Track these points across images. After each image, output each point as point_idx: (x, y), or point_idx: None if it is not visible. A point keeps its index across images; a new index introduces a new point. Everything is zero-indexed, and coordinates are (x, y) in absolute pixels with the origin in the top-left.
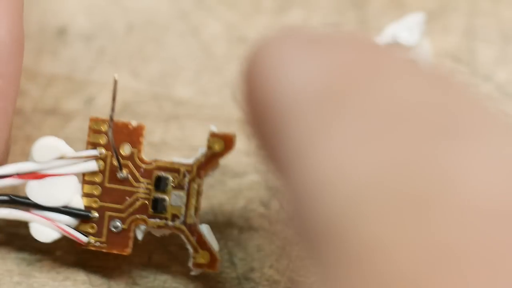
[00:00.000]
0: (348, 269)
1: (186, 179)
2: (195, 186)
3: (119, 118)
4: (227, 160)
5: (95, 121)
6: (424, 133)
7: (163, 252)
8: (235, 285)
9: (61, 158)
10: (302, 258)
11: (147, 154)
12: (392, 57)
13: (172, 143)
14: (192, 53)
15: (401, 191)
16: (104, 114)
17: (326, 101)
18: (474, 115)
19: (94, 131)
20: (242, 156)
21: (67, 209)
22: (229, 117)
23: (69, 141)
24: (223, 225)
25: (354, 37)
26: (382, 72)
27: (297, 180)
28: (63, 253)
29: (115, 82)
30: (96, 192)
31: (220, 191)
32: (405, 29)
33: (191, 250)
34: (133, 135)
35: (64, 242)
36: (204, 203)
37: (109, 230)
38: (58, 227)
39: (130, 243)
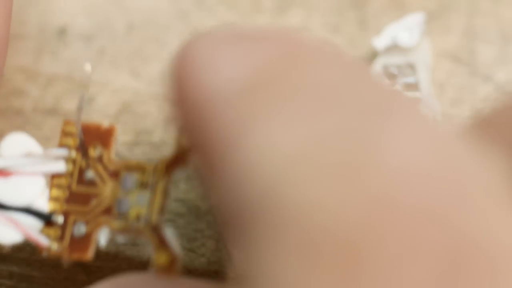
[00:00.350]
0: (287, 234)
1: (153, 178)
2: (161, 185)
3: (119, 118)
4: None
5: (67, 123)
6: (346, 110)
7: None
8: (235, 285)
9: (29, 155)
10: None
11: (147, 154)
12: (311, 48)
13: (172, 143)
14: None
15: (333, 157)
16: (104, 114)
17: (254, 91)
18: (383, 93)
19: (65, 133)
20: None
21: (31, 209)
22: None
23: None
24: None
25: (278, 33)
26: (302, 60)
27: (229, 167)
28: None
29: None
30: (62, 196)
31: None
32: (405, 29)
33: (152, 251)
34: (105, 136)
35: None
36: (204, 203)
37: (72, 235)
38: (21, 229)
39: (91, 247)
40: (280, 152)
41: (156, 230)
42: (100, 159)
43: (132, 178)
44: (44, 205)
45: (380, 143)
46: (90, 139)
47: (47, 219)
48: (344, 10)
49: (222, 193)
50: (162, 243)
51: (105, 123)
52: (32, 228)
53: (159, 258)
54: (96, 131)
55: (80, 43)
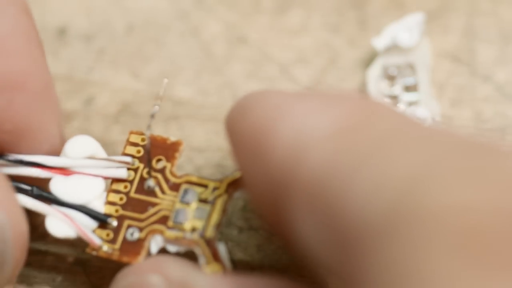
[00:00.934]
0: (439, 233)
1: (214, 195)
2: (221, 202)
3: (119, 118)
4: (227, 161)
5: (133, 134)
6: (439, 141)
7: (163, 252)
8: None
9: (93, 158)
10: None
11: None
12: (376, 102)
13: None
14: (191, 53)
15: (456, 163)
16: (104, 114)
17: (349, 132)
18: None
19: (131, 143)
20: None
21: (87, 210)
22: None
23: None
24: (223, 225)
25: (346, 95)
26: (375, 109)
27: (356, 190)
28: (63, 253)
29: (160, 97)
30: (119, 201)
31: None
32: (405, 30)
33: (203, 261)
34: (169, 150)
35: (64, 242)
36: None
37: (125, 238)
38: (76, 225)
39: (143, 253)
40: (403, 170)
41: (210, 244)
42: (162, 171)
43: (192, 192)
44: (100, 207)
45: (500, 152)
46: (155, 151)
47: (101, 220)
48: (344, 10)
49: (346, 216)
50: (215, 257)
51: (171, 138)
52: (85, 226)
53: (212, 268)
54: (162, 144)
55: (80, 43)
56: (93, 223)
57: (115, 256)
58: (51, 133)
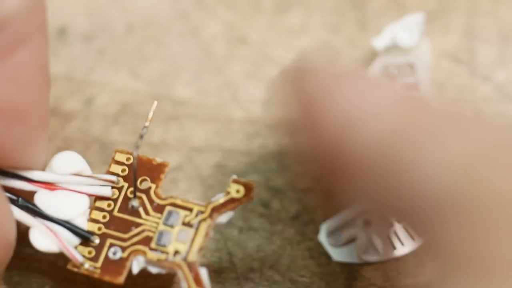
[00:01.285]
0: (497, 215)
1: (197, 219)
2: (204, 226)
3: (119, 118)
4: (227, 161)
5: (119, 152)
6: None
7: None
8: (234, 286)
9: (78, 174)
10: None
11: (147, 154)
12: (419, 96)
13: (172, 143)
14: (191, 53)
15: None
16: (104, 114)
17: (407, 118)
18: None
19: (117, 162)
20: (242, 156)
21: (70, 226)
22: (229, 117)
23: (69, 141)
24: (223, 225)
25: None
26: (423, 103)
27: (419, 172)
28: (63, 253)
29: (153, 108)
30: (102, 219)
31: (220, 191)
32: (405, 30)
33: (185, 285)
34: (155, 171)
35: None
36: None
37: (106, 257)
38: (59, 240)
39: (125, 273)
40: (463, 153)
41: (192, 268)
42: (147, 191)
43: (176, 215)
44: (83, 223)
45: None
46: (140, 171)
47: (84, 237)
48: (344, 10)
49: (409, 196)
50: (197, 281)
51: (157, 159)
52: (68, 242)
53: None
54: (148, 164)
55: (80, 43)
56: (75, 240)
57: (97, 274)
58: (39, 160)
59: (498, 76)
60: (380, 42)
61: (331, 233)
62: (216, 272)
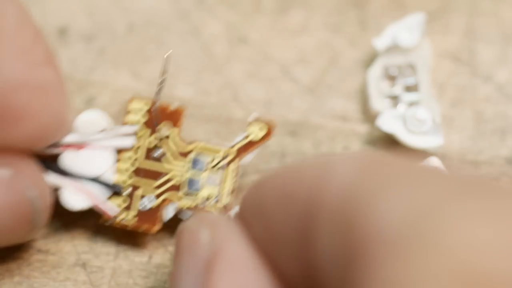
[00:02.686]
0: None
1: (225, 161)
2: (232, 168)
3: (119, 118)
4: None
5: (135, 99)
6: (438, 179)
7: (164, 252)
8: None
9: (101, 131)
10: None
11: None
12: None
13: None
14: (192, 53)
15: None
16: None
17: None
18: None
19: (134, 110)
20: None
21: (99, 180)
22: (229, 117)
23: None
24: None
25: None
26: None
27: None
28: (63, 254)
29: (167, 58)
30: (130, 169)
31: None
32: (406, 30)
33: None
34: (173, 116)
35: (65, 242)
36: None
37: (139, 207)
38: (90, 197)
39: (159, 221)
40: (415, 203)
41: (226, 211)
42: (169, 138)
43: (203, 159)
44: (111, 177)
45: (501, 191)
46: (158, 118)
47: (114, 190)
48: (344, 10)
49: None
50: None
51: (173, 104)
52: (99, 197)
53: None
54: (164, 111)
55: (80, 43)
56: (105, 194)
57: (130, 226)
58: (70, 127)
59: (499, 76)
60: (380, 42)
61: None
62: None
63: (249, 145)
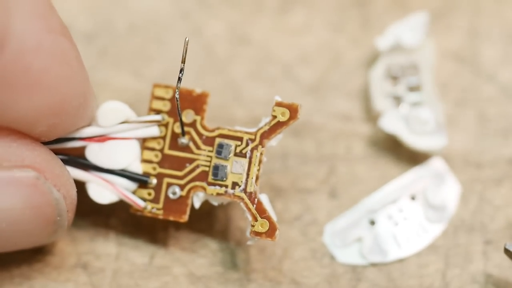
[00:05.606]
0: None
1: (249, 147)
2: (257, 154)
3: None
4: None
5: (158, 87)
6: None
7: (165, 254)
8: (237, 286)
9: (124, 122)
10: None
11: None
12: None
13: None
14: (194, 53)
15: None
16: None
17: None
18: None
19: (157, 97)
20: None
21: (126, 173)
22: (231, 117)
23: None
24: (225, 226)
25: None
26: None
27: None
28: (64, 254)
29: (186, 44)
30: (155, 159)
31: None
32: (409, 29)
33: (250, 218)
34: (197, 102)
35: (66, 243)
36: (206, 204)
37: (167, 197)
38: (117, 189)
39: (187, 211)
40: None
41: (253, 198)
42: (193, 124)
43: (227, 146)
44: (138, 168)
45: None
46: (182, 104)
47: (141, 181)
48: (347, 9)
49: None
50: (260, 211)
51: (197, 89)
52: (126, 189)
53: (259, 226)
54: (188, 96)
55: (81, 43)
56: (133, 185)
57: (160, 215)
58: (92, 116)
59: (502, 76)
60: (383, 41)
61: (335, 234)
62: (218, 273)
63: (272, 130)
